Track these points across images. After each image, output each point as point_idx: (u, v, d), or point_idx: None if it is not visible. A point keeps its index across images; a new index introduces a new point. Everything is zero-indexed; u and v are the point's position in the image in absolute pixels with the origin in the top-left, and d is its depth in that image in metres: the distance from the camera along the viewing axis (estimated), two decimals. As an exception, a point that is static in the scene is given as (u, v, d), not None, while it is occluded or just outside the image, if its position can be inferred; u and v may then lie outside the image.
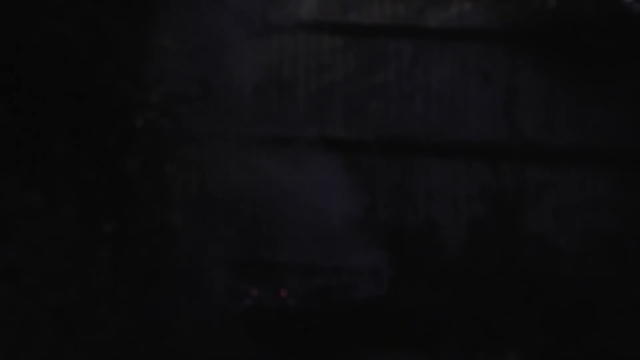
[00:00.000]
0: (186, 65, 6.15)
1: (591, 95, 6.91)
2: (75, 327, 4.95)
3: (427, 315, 6.53)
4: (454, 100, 6.93)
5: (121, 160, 5.69)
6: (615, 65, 6.80)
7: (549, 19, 6.92)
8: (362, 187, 6.78)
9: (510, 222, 6.86)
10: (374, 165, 6.84)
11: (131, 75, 5.63)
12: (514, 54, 6.97)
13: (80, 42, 5.26)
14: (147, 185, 6.03)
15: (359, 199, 6.75)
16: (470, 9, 7.00)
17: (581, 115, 6.93)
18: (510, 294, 6.59)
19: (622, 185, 6.88)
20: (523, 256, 6.78)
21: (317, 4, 7.01)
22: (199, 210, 6.77)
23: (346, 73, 6.98)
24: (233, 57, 6.84)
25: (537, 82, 6.97)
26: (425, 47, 6.92)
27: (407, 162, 6.85)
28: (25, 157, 5.19)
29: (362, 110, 6.91)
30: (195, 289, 6.26)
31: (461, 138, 6.90)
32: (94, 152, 5.47)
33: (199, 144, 6.74)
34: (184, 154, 6.71)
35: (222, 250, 6.71)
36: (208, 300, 6.35)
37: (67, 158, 5.33)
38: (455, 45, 6.90)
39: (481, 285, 6.63)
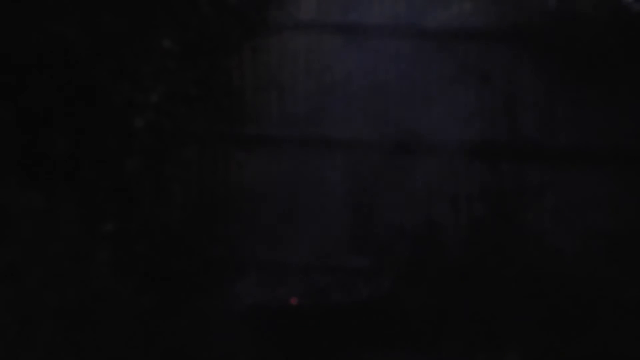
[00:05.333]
0: (186, 65, 6.16)
1: (591, 95, 6.91)
2: (75, 327, 4.96)
3: (427, 315, 6.53)
4: (454, 100, 6.93)
5: (121, 160, 5.69)
6: (615, 65, 6.81)
7: (549, 19, 6.92)
8: (362, 187, 6.78)
9: (510, 222, 6.86)
10: (374, 165, 6.84)
11: (131, 75, 5.64)
12: (514, 54, 6.97)
13: (80, 42, 5.27)
14: (147, 185, 6.04)
15: (359, 199, 6.76)
16: (470, 9, 7.00)
17: (581, 115, 6.93)
18: (510, 294, 6.60)
19: (622, 185, 6.88)
20: (523, 256, 6.78)
21: (317, 4, 7.01)
22: (199, 210, 6.78)
23: (346, 73, 6.98)
24: (233, 57, 6.85)
25: (537, 82, 6.97)
26: (425, 47, 6.93)
27: (407, 162, 6.85)
28: (25, 157, 5.19)
29: (362, 110, 6.91)
30: (196, 289, 6.27)
31: (461, 138, 6.91)
32: (94, 152, 5.48)
33: (199, 144, 6.76)
34: (184, 154, 6.72)
35: (222, 250, 6.71)
36: (208, 300, 6.36)
37: (67, 158, 5.34)
38: (455, 45, 6.90)
39: (481, 285, 6.64)
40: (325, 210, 6.74)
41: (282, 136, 6.93)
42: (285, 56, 7.00)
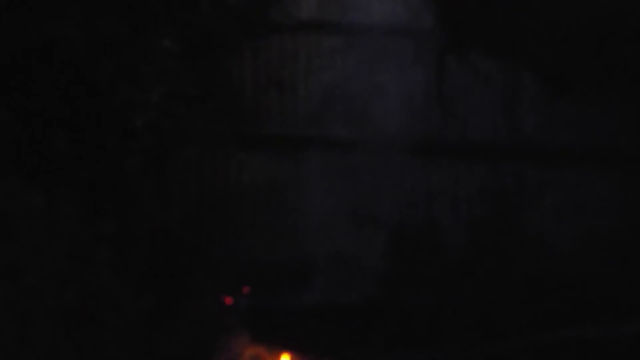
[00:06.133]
0: (186, 65, 6.16)
1: (591, 95, 6.90)
2: (75, 327, 4.95)
3: (427, 315, 6.53)
4: (454, 100, 6.92)
5: (121, 160, 5.69)
6: (615, 65, 6.80)
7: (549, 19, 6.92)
8: (362, 187, 6.78)
9: (510, 222, 6.86)
10: (374, 165, 6.84)
11: (131, 75, 5.64)
12: (514, 54, 6.97)
13: (80, 42, 5.27)
14: (147, 185, 6.04)
15: (359, 199, 6.75)
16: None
17: (581, 115, 6.93)
18: (510, 294, 6.60)
19: (622, 185, 6.88)
20: (523, 256, 6.78)
21: (317, 4, 7.01)
22: (199, 210, 6.77)
23: (346, 73, 6.98)
24: (233, 57, 6.84)
25: (537, 83, 6.96)
26: (425, 47, 6.92)
27: (406, 162, 6.85)
28: (25, 157, 5.19)
29: (362, 110, 6.90)
30: (195, 289, 6.26)
31: (461, 138, 6.90)
32: (94, 152, 5.48)
33: (199, 144, 6.75)
34: (184, 154, 6.71)
35: (222, 250, 6.71)
36: (208, 300, 6.35)
37: (67, 158, 5.34)
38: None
39: (481, 285, 6.64)
40: (325, 210, 6.74)
41: (282, 136, 6.92)
42: (285, 56, 6.99)
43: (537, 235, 6.82)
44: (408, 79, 6.91)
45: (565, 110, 6.93)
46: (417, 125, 6.88)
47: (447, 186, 6.91)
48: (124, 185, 5.71)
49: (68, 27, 5.20)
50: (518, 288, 6.63)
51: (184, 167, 6.72)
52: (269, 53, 6.96)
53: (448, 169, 6.92)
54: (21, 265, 4.77)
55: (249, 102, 6.92)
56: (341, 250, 6.67)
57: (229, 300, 6.45)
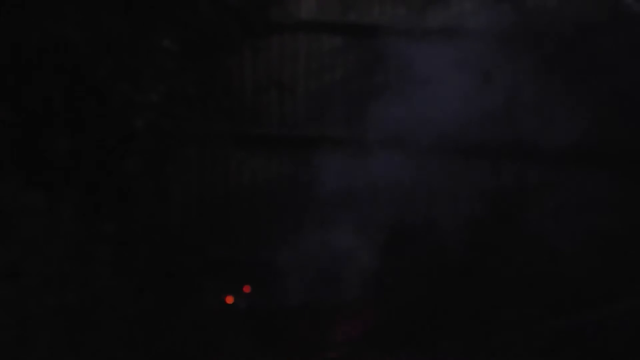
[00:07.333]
0: (186, 65, 6.16)
1: (591, 95, 6.90)
2: (75, 328, 4.96)
3: (427, 315, 6.53)
4: (454, 100, 6.92)
5: (121, 160, 5.70)
6: (616, 65, 6.80)
7: (550, 19, 6.92)
8: (362, 187, 6.78)
9: (510, 222, 6.86)
10: (374, 164, 6.84)
11: (131, 75, 5.64)
12: (514, 54, 6.97)
13: (80, 42, 5.27)
14: (147, 185, 6.05)
15: (358, 199, 6.75)
16: (470, 9, 7.00)
17: (581, 115, 6.92)
18: (510, 293, 6.60)
19: (622, 185, 6.88)
20: (523, 256, 6.78)
21: (317, 4, 7.01)
22: (198, 210, 6.77)
23: (346, 73, 6.98)
24: (233, 57, 6.84)
25: (537, 82, 6.96)
26: (425, 47, 6.92)
27: (406, 162, 6.85)
28: (25, 157, 5.20)
29: (362, 110, 6.90)
30: (195, 289, 6.27)
31: (461, 138, 6.90)
32: (94, 152, 5.49)
33: (199, 144, 6.75)
34: (184, 154, 6.71)
35: (221, 250, 6.71)
36: (208, 300, 6.36)
37: (67, 158, 5.34)
38: (456, 45, 6.89)
39: (481, 285, 6.64)
40: (325, 211, 6.74)
41: (282, 136, 6.92)
42: (285, 56, 7.00)
43: (537, 235, 6.82)
44: (408, 79, 6.91)
45: (566, 110, 6.93)
46: (417, 126, 6.87)
47: (447, 186, 6.91)
48: (124, 185, 5.72)
49: (68, 27, 5.20)
50: (518, 288, 6.63)
51: (184, 167, 6.72)
52: (269, 53, 6.96)
53: (448, 168, 6.92)
54: (21, 265, 4.77)
55: (249, 102, 6.92)
56: (341, 250, 6.67)
57: (229, 300, 6.46)
